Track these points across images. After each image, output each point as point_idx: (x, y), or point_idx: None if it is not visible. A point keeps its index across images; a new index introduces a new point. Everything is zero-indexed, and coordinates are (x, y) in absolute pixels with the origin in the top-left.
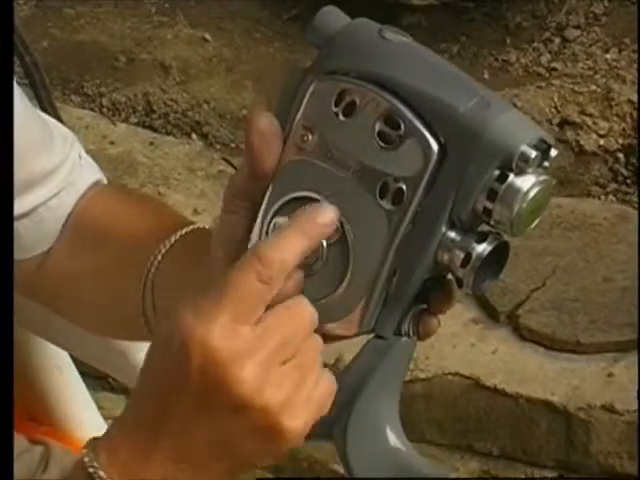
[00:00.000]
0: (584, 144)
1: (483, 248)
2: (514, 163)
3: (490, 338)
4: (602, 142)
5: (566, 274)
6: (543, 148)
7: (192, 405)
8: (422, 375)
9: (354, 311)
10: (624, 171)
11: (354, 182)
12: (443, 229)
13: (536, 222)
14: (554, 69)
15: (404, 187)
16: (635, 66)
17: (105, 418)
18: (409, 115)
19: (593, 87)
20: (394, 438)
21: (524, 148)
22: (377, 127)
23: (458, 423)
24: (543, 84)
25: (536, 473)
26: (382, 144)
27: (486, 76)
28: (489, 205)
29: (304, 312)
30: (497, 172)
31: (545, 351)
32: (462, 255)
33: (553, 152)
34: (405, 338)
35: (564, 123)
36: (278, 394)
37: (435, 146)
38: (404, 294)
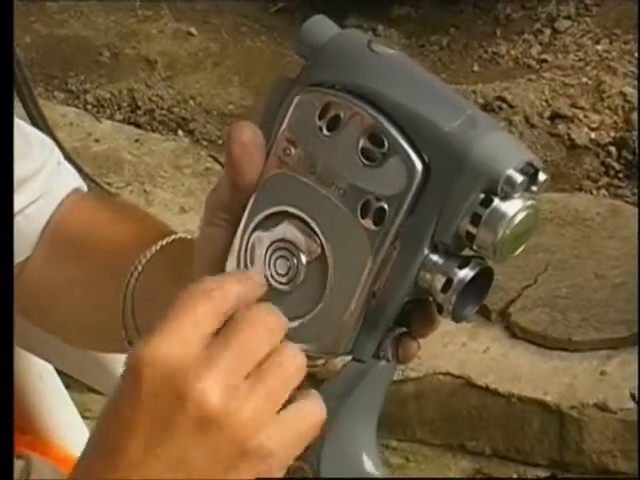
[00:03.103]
0: (575, 137)
1: (465, 273)
2: (499, 187)
3: (481, 337)
4: (593, 135)
5: (558, 271)
6: (530, 172)
7: (148, 434)
8: (413, 374)
9: (331, 333)
10: (616, 165)
11: (336, 199)
12: (425, 252)
13: (522, 248)
14: (544, 61)
15: (386, 207)
16: (626, 57)
17: (91, 419)
18: (393, 132)
19: (584, 79)
20: (370, 465)
21: (510, 172)
22: (361, 143)
23: (450, 422)
24: (534, 76)
25: (529, 472)
26: (365, 161)
27: (476, 68)
28: (472, 229)
29: (267, 319)
30: (482, 195)
31: (537, 349)
32: (443, 280)
33: (541, 177)
34: (384, 362)
35: (555, 116)
36: (245, 408)
37: (419, 165)
38: (383, 317)
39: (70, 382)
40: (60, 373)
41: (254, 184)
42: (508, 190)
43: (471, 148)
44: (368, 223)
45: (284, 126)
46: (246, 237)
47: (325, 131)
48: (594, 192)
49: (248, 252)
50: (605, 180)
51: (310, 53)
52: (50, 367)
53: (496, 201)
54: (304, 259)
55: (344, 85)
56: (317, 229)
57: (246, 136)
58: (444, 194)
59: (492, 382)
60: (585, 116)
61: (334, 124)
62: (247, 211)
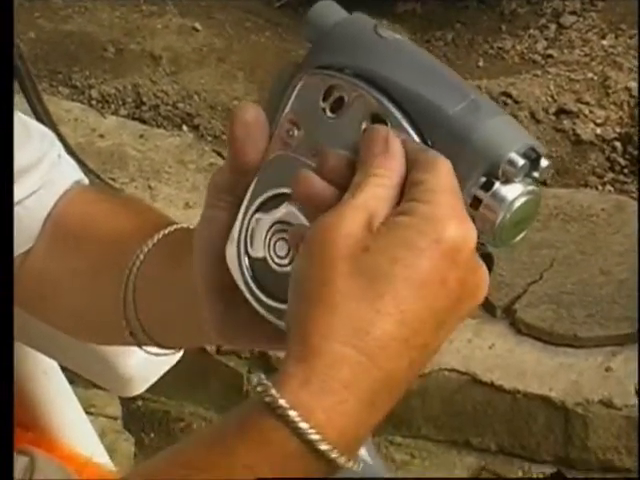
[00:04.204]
0: (581, 133)
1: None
2: (500, 170)
3: (487, 333)
4: (599, 131)
5: (563, 267)
6: (532, 157)
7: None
8: None
9: None
10: (621, 160)
11: None
12: None
13: (522, 235)
14: (550, 56)
15: None
16: (632, 52)
17: (96, 415)
18: (397, 114)
19: (590, 74)
20: (362, 450)
21: (512, 155)
22: (364, 125)
23: (455, 419)
24: (539, 72)
25: (534, 469)
26: None
27: (481, 64)
28: (473, 213)
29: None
30: (483, 179)
31: (542, 345)
32: None
33: (544, 162)
34: None
35: (560, 112)
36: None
37: None
38: None
39: (74, 378)
40: (64, 369)
41: (256, 165)
42: (509, 174)
43: (473, 131)
44: None
45: (288, 108)
46: (247, 219)
47: (329, 113)
48: (599, 188)
49: (249, 234)
50: (610, 176)
51: (317, 37)
52: (55, 364)
53: (497, 185)
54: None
55: (349, 68)
56: None
57: (249, 115)
58: None
59: (497, 378)
60: (590, 111)
61: (338, 106)
62: (249, 193)
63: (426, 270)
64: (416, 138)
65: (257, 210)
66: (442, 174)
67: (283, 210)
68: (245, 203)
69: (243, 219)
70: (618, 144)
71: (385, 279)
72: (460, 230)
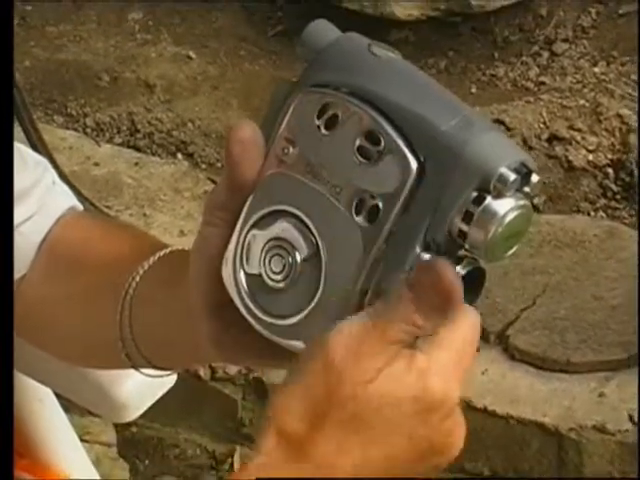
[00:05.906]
0: (573, 160)
1: (456, 272)
2: (492, 185)
3: (480, 358)
4: (591, 157)
5: (556, 293)
6: (523, 172)
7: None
8: None
9: (326, 330)
10: (613, 187)
11: (331, 197)
12: (417, 250)
13: (514, 249)
14: (542, 83)
15: (380, 204)
16: (623, 79)
17: (91, 442)
18: (390, 131)
19: (582, 101)
20: None
21: (503, 170)
22: (357, 142)
23: None
24: (531, 99)
25: None
26: (361, 159)
27: (474, 91)
28: (464, 227)
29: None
30: (475, 194)
31: (536, 371)
32: None
33: (534, 178)
34: None
35: (553, 138)
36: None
37: (414, 164)
38: None
39: (69, 405)
40: (59, 396)
41: (252, 183)
42: (500, 188)
43: (465, 146)
44: (361, 220)
45: (284, 126)
46: (243, 236)
47: (323, 130)
48: (592, 214)
49: (245, 250)
50: (603, 202)
51: (311, 55)
52: (50, 391)
53: (488, 199)
54: (299, 257)
55: (344, 86)
56: (312, 227)
57: (245, 133)
58: (438, 192)
59: (490, 404)
60: (583, 138)
61: (332, 123)
62: (245, 210)
63: (396, 422)
64: (409, 154)
65: (253, 227)
66: (456, 330)
67: (278, 227)
68: (241, 220)
69: (239, 236)
70: (610, 170)
71: (361, 423)
72: (442, 389)
